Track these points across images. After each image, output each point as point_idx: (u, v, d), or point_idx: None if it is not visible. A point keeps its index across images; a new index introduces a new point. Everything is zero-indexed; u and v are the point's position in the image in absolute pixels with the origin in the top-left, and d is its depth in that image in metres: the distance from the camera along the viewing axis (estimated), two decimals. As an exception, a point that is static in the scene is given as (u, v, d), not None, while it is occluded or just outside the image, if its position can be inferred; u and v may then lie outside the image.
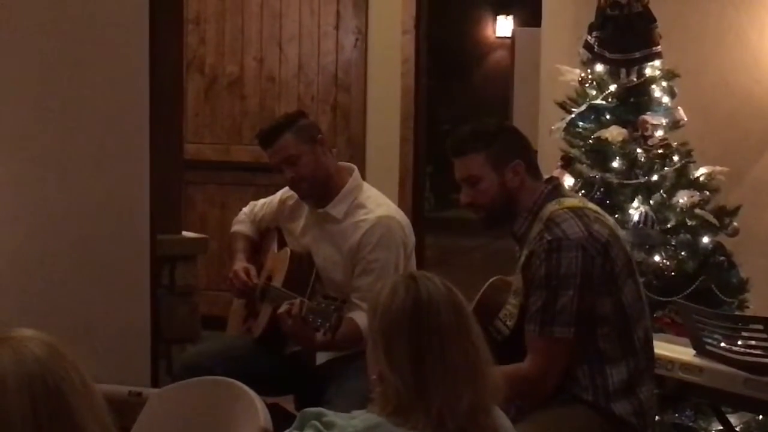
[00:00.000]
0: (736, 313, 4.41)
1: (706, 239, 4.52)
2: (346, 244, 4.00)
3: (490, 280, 3.53)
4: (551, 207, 3.26)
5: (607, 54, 4.68)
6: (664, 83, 4.69)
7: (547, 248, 3.16)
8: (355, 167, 4.19)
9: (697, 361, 3.60)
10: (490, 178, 3.32)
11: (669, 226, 4.51)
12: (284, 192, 4.32)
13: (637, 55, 4.65)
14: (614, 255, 3.19)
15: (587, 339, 3.18)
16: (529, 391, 3.17)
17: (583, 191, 4.48)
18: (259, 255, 4.37)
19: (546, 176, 3.46)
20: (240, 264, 4.25)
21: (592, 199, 4.15)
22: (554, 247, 3.15)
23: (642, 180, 4.54)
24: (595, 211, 3.32)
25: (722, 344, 3.55)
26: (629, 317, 3.21)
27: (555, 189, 3.38)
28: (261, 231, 4.40)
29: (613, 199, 4.50)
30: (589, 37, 4.74)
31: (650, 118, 4.59)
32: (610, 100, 4.69)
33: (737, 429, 4.13)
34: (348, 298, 3.85)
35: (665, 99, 4.69)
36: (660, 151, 4.56)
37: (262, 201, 4.43)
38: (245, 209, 4.47)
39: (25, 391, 1.72)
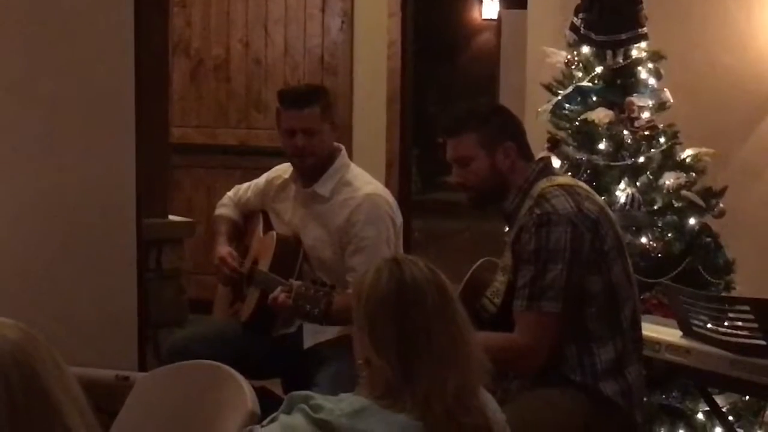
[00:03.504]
0: (723, 294, 4.42)
1: (692, 221, 4.53)
2: (334, 222, 4.01)
3: (478, 262, 3.54)
4: (542, 184, 3.28)
5: (593, 36, 4.67)
6: (650, 65, 4.69)
7: (537, 222, 3.17)
8: (342, 147, 4.20)
9: (684, 342, 3.60)
10: (481, 158, 3.33)
11: (655, 207, 4.51)
12: (271, 173, 4.33)
13: (624, 36, 4.64)
14: (604, 233, 3.20)
15: (575, 318, 3.18)
16: (515, 361, 3.18)
17: (569, 173, 4.47)
18: (243, 238, 4.36)
19: (533, 158, 3.47)
20: (224, 249, 4.24)
21: (578, 181, 4.16)
22: (544, 221, 3.16)
23: (628, 162, 4.54)
24: (586, 190, 3.33)
25: (709, 325, 3.56)
26: (617, 297, 3.22)
27: (546, 167, 3.41)
28: (245, 214, 4.40)
29: (600, 181, 4.49)
30: (576, 19, 4.73)
31: (637, 99, 4.59)
32: (596, 81, 4.68)
33: (724, 410, 4.15)
34: (339, 279, 3.85)
35: (651, 81, 4.68)
36: (646, 132, 4.56)
37: (246, 184, 4.43)
38: (229, 193, 4.47)
39: None
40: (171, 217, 5.14)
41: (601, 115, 4.55)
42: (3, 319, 1.84)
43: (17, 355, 1.75)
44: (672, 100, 4.68)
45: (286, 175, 4.21)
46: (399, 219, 4.08)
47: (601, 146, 4.57)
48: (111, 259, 4.51)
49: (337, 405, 2.22)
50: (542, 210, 3.19)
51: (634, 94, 4.62)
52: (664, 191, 4.52)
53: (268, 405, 2.59)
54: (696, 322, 3.60)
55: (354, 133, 7.08)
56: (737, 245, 4.69)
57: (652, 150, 4.57)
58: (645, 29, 4.65)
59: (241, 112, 7.29)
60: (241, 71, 7.28)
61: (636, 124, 4.55)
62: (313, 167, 4.07)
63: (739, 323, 3.50)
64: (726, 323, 3.53)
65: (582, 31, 4.70)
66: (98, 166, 4.47)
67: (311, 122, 4.00)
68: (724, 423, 4.10)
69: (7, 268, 4.32)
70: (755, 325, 3.40)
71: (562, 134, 4.69)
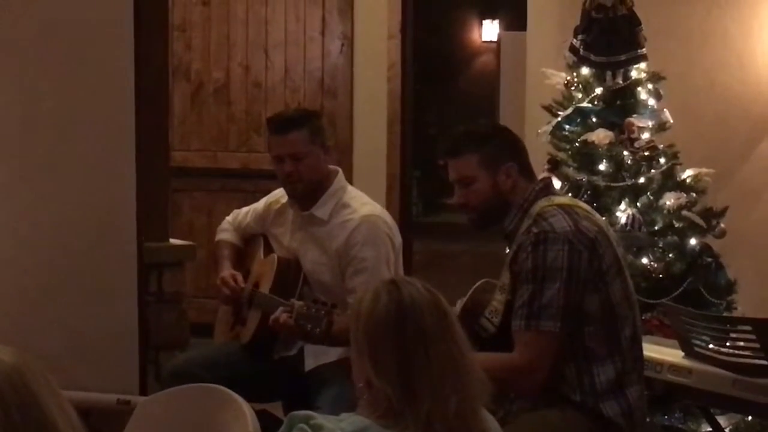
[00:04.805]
0: (724, 314, 4.42)
1: (693, 241, 4.53)
2: (332, 245, 4.00)
3: (477, 284, 3.53)
4: (541, 203, 3.27)
5: (592, 57, 4.69)
6: (649, 85, 4.71)
7: (534, 241, 3.17)
8: (339, 169, 4.19)
9: (686, 362, 3.60)
10: (483, 179, 3.33)
11: (656, 228, 4.52)
12: (269, 197, 4.33)
13: (623, 57, 4.66)
14: (602, 252, 3.19)
15: (574, 337, 3.17)
16: (514, 381, 3.17)
17: (570, 194, 4.48)
18: (245, 262, 4.36)
19: (533, 179, 3.47)
20: (227, 271, 4.24)
21: (579, 202, 4.16)
22: (541, 240, 3.16)
23: (629, 182, 4.55)
24: (586, 210, 3.32)
25: (711, 346, 3.56)
26: (617, 316, 3.21)
27: (546, 187, 3.41)
28: (245, 238, 4.40)
29: (600, 202, 4.50)
30: (575, 41, 4.75)
31: (636, 120, 4.60)
32: (596, 102, 4.70)
33: (726, 430, 4.14)
34: (339, 302, 3.85)
35: (651, 101, 4.70)
36: (646, 153, 4.57)
37: (245, 209, 4.43)
38: (228, 218, 4.47)
39: None
40: (172, 241, 5.14)
41: (601, 136, 4.56)
42: None
43: (13, 375, 1.76)
44: (672, 121, 4.69)
45: (284, 200, 4.21)
46: (398, 239, 4.08)
47: (601, 167, 4.58)
48: (112, 282, 4.50)
49: (338, 425, 2.22)
50: (539, 228, 3.19)
51: (634, 115, 4.63)
52: (665, 212, 4.53)
53: (269, 428, 2.58)
54: (698, 342, 3.60)
55: (354, 155, 7.09)
56: (738, 265, 4.69)
57: (653, 170, 4.58)
58: (644, 50, 4.67)
59: (242, 135, 7.29)
60: (242, 95, 7.29)
61: (636, 144, 4.56)
62: (305, 192, 4.07)
63: (741, 343, 3.50)
64: (728, 343, 3.53)
65: (581, 53, 4.72)
66: (99, 190, 4.47)
67: (297, 147, 4.00)
68: (727, 443, 4.09)
69: (8, 292, 4.32)
70: (757, 345, 3.40)
71: (562, 155, 4.70)
